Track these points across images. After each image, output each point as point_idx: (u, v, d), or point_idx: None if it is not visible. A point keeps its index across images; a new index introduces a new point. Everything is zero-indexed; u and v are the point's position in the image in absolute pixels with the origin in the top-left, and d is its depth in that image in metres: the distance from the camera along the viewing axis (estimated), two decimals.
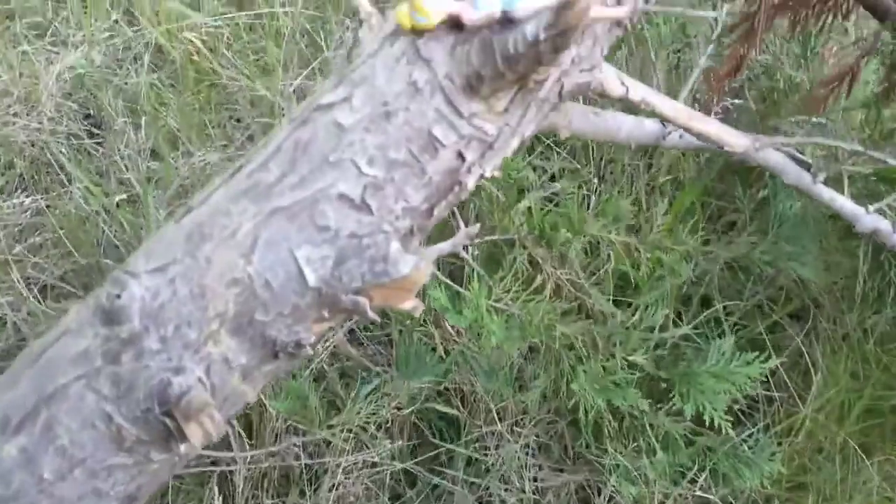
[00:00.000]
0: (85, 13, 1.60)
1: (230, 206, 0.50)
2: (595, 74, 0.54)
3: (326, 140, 0.49)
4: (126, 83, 1.48)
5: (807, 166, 0.65)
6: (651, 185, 1.12)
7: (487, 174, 0.54)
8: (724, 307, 1.15)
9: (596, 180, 1.06)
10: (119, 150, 1.42)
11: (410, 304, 0.51)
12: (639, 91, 0.56)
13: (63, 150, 1.43)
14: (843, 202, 0.70)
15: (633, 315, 1.03)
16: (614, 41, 0.53)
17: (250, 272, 0.49)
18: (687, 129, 0.59)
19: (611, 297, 1.07)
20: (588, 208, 1.10)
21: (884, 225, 0.73)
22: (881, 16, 0.51)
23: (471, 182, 0.53)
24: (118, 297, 0.49)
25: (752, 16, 0.56)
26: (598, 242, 0.97)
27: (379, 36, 0.49)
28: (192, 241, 0.50)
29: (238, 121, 1.46)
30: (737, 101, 0.81)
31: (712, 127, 0.60)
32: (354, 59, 0.50)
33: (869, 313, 1.10)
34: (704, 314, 1.11)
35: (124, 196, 1.27)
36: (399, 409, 1.11)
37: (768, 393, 1.15)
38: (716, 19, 0.65)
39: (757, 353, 0.85)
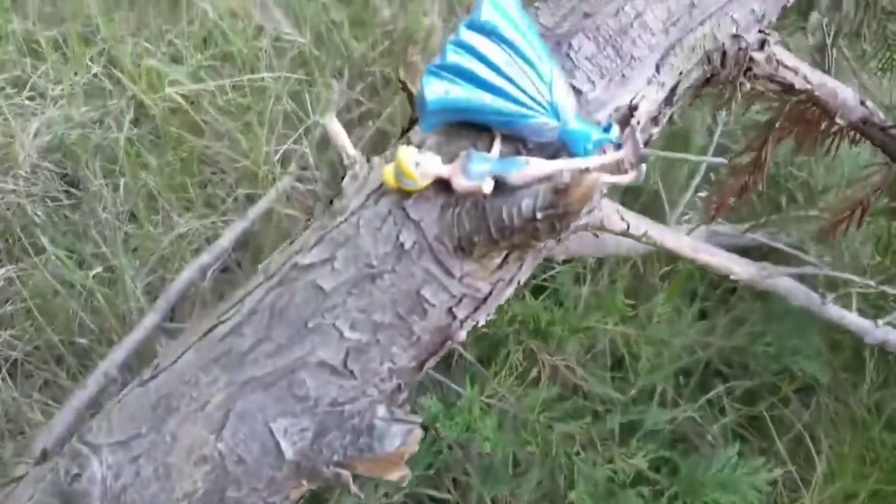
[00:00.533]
0: (65, 65, 1.55)
1: (200, 374, 0.45)
2: (595, 214, 0.50)
3: (305, 304, 0.44)
4: (106, 139, 1.43)
5: (815, 288, 0.62)
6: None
7: (482, 323, 0.50)
8: (726, 384, 1.11)
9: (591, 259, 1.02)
10: (97, 212, 1.37)
11: (397, 474, 0.47)
12: (640, 226, 0.52)
13: (39, 212, 1.38)
14: (852, 319, 0.67)
15: (632, 400, 0.99)
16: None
17: (221, 449, 0.44)
18: (692, 261, 0.56)
19: (608, 373, 1.04)
20: (583, 283, 1.06)
21: (893, 336, 0.70)
22: (892, 154, 0.48)
23: (463, 334, 0.49)
24: (78, 476, 0.44)
25: (759, 147, 0.52)
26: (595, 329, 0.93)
27: (364, 190, 0.45)
28: (158, 414, 0.45)
29: (222, 179, 1.42)
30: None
31: (718, 259, 0.56)
32: (336, 209, 0.46)
33: (875, 393, 1.06)
34: (705, 397, 1.07)
35: (100, 269, 1.22)
36: (387, 495, 1.06)
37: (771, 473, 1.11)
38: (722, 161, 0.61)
39: (763, 461, 0.81)
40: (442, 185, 0.43)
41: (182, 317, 1.23)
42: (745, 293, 1.15)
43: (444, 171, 0.41)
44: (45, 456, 0.55)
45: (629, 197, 0.88)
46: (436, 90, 0.40)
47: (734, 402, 1.13)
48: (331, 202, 0.47)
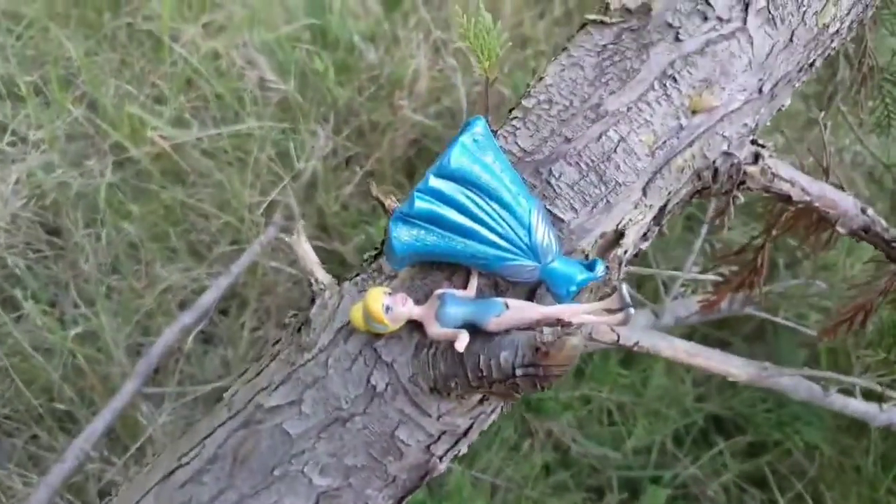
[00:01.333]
0: (46, 110, 1.52)
1: None
2: (582, 329, 0.47)
3: (271, 450, 0.41)
4: (87, 186, 1.40)
5: (817, 381, 0.59)
6: None
7: (463, 451, 0.46)
8: (728, 440, 1.08)
9: None
10: (78, 263, 1.33)
11: None
12: (631, 336, 0.49)
13: (20, 264, 1.34)
14: (857, 407, 0.64)
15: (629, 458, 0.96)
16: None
17: None
18: (689, 367, 0.52)
19: (605, 423, 1.01)
20: None
21: None
22: (893, 257, 0.45)
23: (443, 467, 0.45)
24: None
25: (756, 251, 0.49)
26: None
27: (332, 324, 0.42)
28: None
29: (205, 227, 1.38)
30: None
31: (715, 361, 0.53)
32: (304, 343, 0.43)
33: (881, 447, 1.03)
34: (708, 454, 1.04)
35: (80, 329, 1.18)
36: None
37: None
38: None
39: None
40: (416, 323, 0.40)
41: (166, 377, 1.20)
42: (741, 352, 1.13)
43: (415, 314, 0.38)
44: None
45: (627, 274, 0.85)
46: (404, 237, 0.37)
47: (735, 456, 1.10)
48: (299, 329, 0.44)
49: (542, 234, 0.36)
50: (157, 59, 1.53)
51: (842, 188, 0.47)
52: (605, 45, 0.41)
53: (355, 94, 1.34)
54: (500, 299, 0.38)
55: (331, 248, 1.31)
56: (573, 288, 0.37)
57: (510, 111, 0.43)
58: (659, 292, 0.70)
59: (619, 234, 0.40)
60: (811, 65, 0.44)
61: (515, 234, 0.36)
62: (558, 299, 0.38)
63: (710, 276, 0.53)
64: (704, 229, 0.69)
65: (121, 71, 1.54)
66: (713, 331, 1.08)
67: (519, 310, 0.37)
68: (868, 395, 0.68)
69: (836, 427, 0.92)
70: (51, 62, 1.55)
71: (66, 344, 1.16)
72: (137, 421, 1.10)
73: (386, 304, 0.38)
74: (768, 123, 0.45)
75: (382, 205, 0.48)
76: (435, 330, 0.38)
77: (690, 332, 0.94)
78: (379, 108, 1.34)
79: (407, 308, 0.38)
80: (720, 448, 1.06)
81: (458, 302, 0.38)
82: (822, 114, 0.51)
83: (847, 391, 0.65)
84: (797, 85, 0.45)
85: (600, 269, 0.37)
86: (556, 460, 0.98)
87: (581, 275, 0.37)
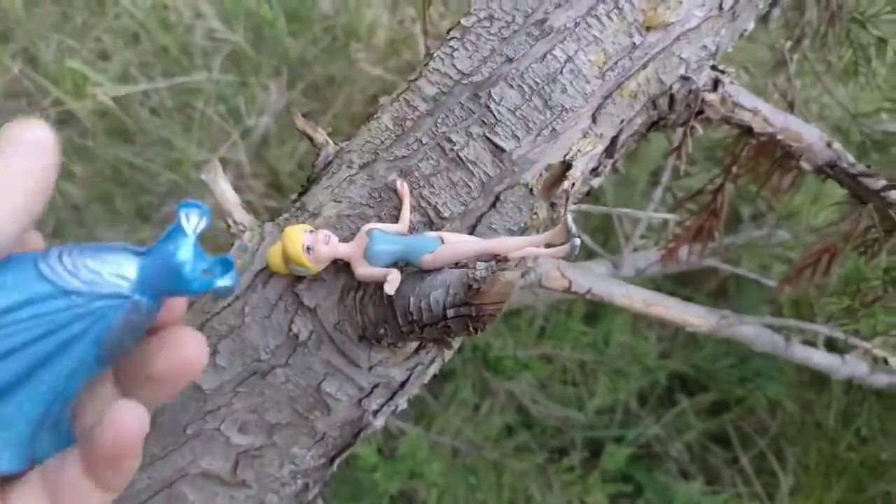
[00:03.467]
0: None
1: None
2: (530, 276, 0.44)
3: (182, 407, 0.37)
4: None
5: (778, 330, 0.57)
6: None
7: (402, 406, 0.43)
8: (691, 397, 1.07)
9: None
10: None
11: None
12: (584, 283, 0.46)
13: None
14: (819, 359, 0.62)
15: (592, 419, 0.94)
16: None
17: None
18: (645, 315, 0.49)
19: (568, 383, 0.98)
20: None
21: (860, 369, 0.65)
22: (862, 198, 0.42)
23: (380, 422, 0.42)
24: None
25: (714, 192, 0.46)
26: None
27: (251, 267, 0.38)
28: None
29: (153, 188, 1.32)
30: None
31: (673, 311, 0.50)
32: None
33: (843, 402, 1.02)
34: (669, 413, 1.02)
35: None
36: None
37: (735, 488, 1.07)
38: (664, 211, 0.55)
39: (724, 497, 0.76)
40: (343, 263, 0.36)
41: None
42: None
43: (340, 253, 0.34)
44: None
45: (583, 222, 0.82)
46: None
47: (699, 415, 1.09)
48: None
49: None
50: (100, 12, 1.44)
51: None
52: None
53: (309, 46, 1.28)
54: (434, 234, 0.34)
55: (283, 208, 1.26)
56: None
57: (448, 31, 0.38)
58: (619, 244, 0.67)
59: (567, 166, 0.36)
60: None
61: None
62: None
63: (669, 216, 0.50)
64: (666, 176, 0.66)
65: (62, 25, 1.46)
66: (678, 287, 1.06)
67: (455, 245, 0.33)
68: (831, 349, 0.66)
69: (798, 383, 0.90)
70: None
71: None
72: None
73: (306, 244, 0.34)
74: (730, 49, 0.42)
75: (310, 138, 0.44)
76: (363, 270, 0.34)
77: (654, 289, 0.92)
78: (334, 60, 1.28)
79: (330, 247, 0.34)
80: (683, 407, 1.05)
81: (389, 239, 0.34)
82: (787, 44, 0.48)
83: (810, 343, 0.63)
84: (760, 5, 0.41)
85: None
86: (518, 421, 0.96)
87: None
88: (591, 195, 0.43)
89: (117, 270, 0.27)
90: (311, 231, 0.34)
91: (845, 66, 0.80)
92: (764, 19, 0.89)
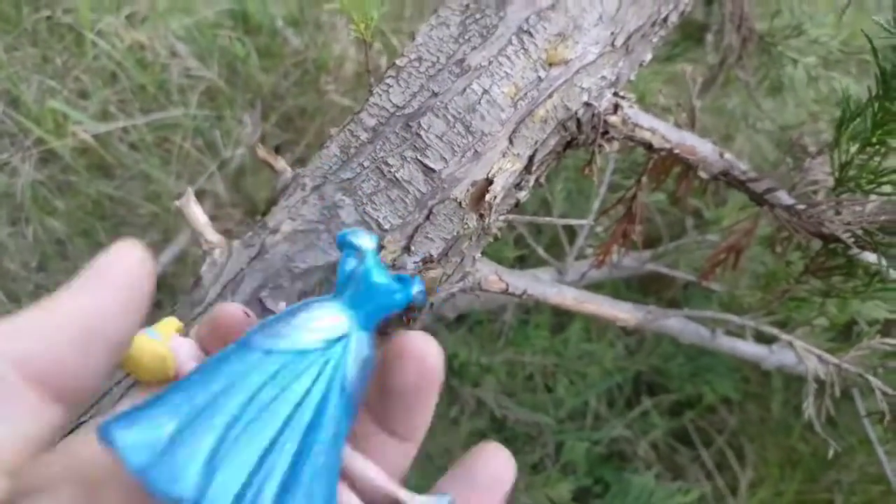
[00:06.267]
0: None
1: None
2: (467, 280, 0.50)
3: None
4: (11, 184, 1.37)
5: (704, 323, 0.63)
6: None
7: None
8: (652, 397, 1.12)
9: None
10: (4, 263, 1.31)
11: None
12: (520, 284, 0.52)
13: None
14: (745, 348, 0.68)
15: (561, 423, 0.99)
16: (487, 243, 0.49)
17: None
18: (578, 312, 0.55)
19: (536, 390, 1.04)
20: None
21: (789, 358, 0.72)
22: (756, 200, 0.49)
23: None
24: None
25: (630, 199, 0.52)
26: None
27: (220, 279, 0.43)
28: None
29: (134, 220, 1.37)
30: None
31: (604, 307, 0.56)
32: (195, 299, 0.44)
33: (794, 399, 1.09)
34: (632, 413, 1.08)
35: None
36: None
37: (699, 483, 1.13)
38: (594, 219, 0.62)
39: (678, 486, 0.82)
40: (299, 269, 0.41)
41: None
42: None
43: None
44: None
45: (535, 232, 0.88)
46: None
47: (663, 415, 1.15)
48: (194, 286, 0.45)
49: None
50: (79, 53, 1.50)
51: (705, 138, 0.50)
52: (467, 5, 0.43)
53: (281, 79, 1.34)
54: None
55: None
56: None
57: (385, 70, 0.45)
58: (564, 252, 0.73)
59: (489, 182, 0.42)
60: (665, 20, 0.47)
61: None
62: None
63: (584, 222, 0.56)
64: (603, 189, 0.72)
65: (42, 66, 1.51)
66: (639, 296, 1.12)
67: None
68: (761, 340, 0.72)
69: (744, 378, 0.97)
70: None
71: None
72: None
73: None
74: (632, 78, 0.48)
75: (272, 166, 0.50)
76: None
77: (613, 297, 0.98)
78: (306, 93, 1.35)
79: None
80: (646, 407, 1.10)
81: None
82: (690, 69, 0.54)
83: (739, 336, 0.70)
84: (654, 39, 0.48)
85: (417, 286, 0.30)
86: (490, 427, 1.01)
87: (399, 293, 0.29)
88: (544, 207, 0.49)
89: (327, 315, 0.26)
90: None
91: (771, 83, 0.87)
92: (699, 42, 0.96)
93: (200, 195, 1.25)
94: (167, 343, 0.29)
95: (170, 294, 1.23)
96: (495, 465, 0.29)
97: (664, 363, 0.92)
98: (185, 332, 0.31)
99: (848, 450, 1.04)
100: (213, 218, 1.28)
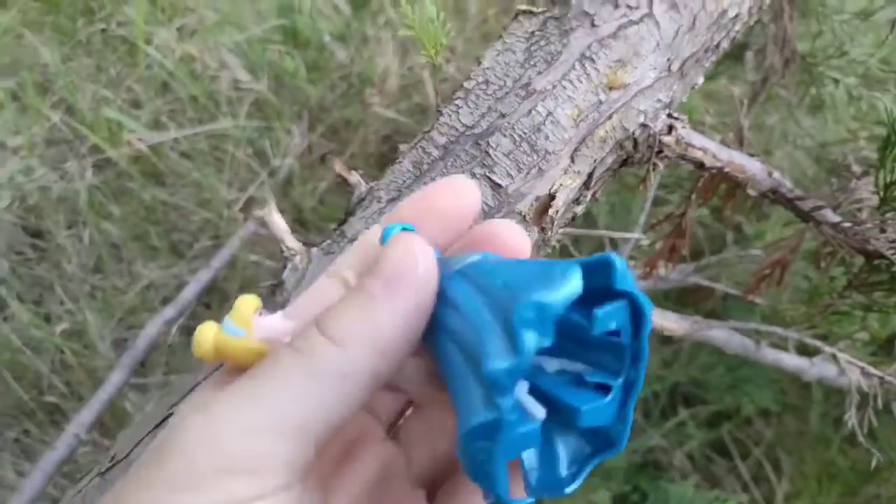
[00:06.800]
0: (23, 116, 1.55)
1: None
2: None
3: None
4: (68, 190, 1.44)
5: (749, 335, 0.65)
6: None
7: None
8: (689, 409, 1.14)
9: None
10: (62, 265, 1.37)
11: None
12: None
13: (4, 266, 1.38)
14: (788, 361, 0.70)
15: None
16: (545, 255, 0.51)
17: None
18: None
19: None
20: None
21: (829, 371, 0.73)
22: (802, 217, 0.51)
23: None
24: None
25: (680, 215, 0.55)
26: None
27: (302, 284, 0.47)
28: None
29: (186, 226, 1.42)
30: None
31: (654, 318, 0.59)
32: (278, 303, 0.48)
33: (833, 412, 1.09)
34: (669, 423, 1.10)
35: (66, 325, 1.22)
36: None
37: (736, 495, 1.14)
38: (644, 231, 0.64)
39: (716, 494, 0.83)
40: None
41: (153, 369, 1.24)
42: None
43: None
44: None
45: (574, 242, 0.91)
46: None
47: (700, 426, 1.16)
48: (273, 292, 0.49)
49: None
50: (132, 64, 1.57)
51: (755, 156, 0.53)
52: (532, 32, 0.46)
53: (327, 92, 1.39)
54: None
55: (308, 241, 1.36)
56: None
57: (453, 93, 0.48)
58: None
59: (551, 197, 0.45)
60: (717, 46, 0.49)
61: None
62: None
63: (637, 236, 0.59)
64: (647, 204, 0.75)
65: (97, 76, 1.58)
66: (678, 307, 1.14)
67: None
68: (802, 353, 0.74)
69: (783, 390, 0.98)
70: (26, 69, 1.58)
71: (53, 340, 1.20)
72: (126, 410, 1.15)
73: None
74: (683, 100, 0.51)
75: (346, 180, 0.54)
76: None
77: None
78: (351, 105, 1.39)
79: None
80: (682, 418, 1.12)
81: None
82: (734, 89, 0.57)
83: (783, 348, 0.71)
84: (706, 64, 0.51)
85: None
86: None
87: None
88: (588, 220, 0.52)
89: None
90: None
91: (812, 101, 0.89)
92: (738, 59, 0.99)
93: (250, 202, 1.30)
94: (253, 334, 0.27)
95: (221, 297, 1.28)
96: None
97: (702, 374, 0.93)
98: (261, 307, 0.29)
99: (889, 464, 1.04)
100: (262, 225, 1.32)
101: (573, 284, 0.23)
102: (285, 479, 0.23)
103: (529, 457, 0.26)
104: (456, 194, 0.29)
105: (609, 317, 0.24)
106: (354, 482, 0.28)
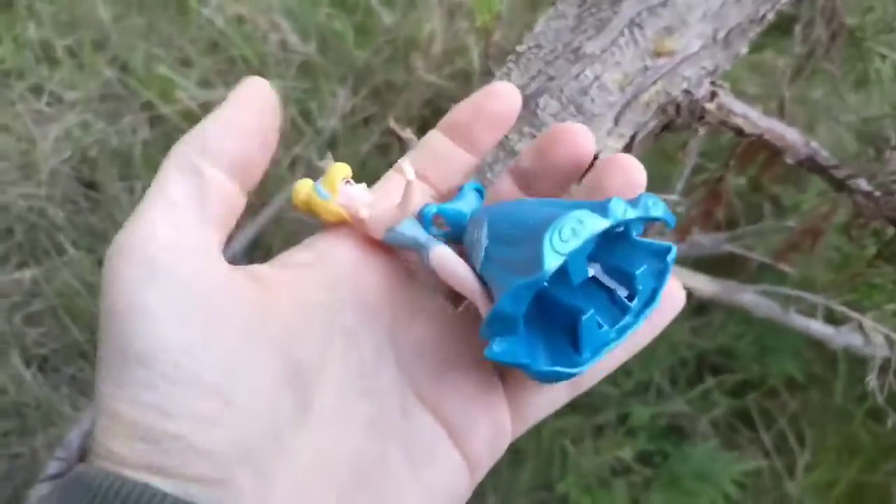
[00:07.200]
0: (80, 72, 1.61)
1: None
2: None
3: None
4: (121, 144, 1.50)
5: (778, 299, 0.67)
6: None
7: None
8: (716, 377, 1.17)
9: None
10: (115, 215, 1.44)
11: None
12: None
13: (60, 215, 1.45)
14: (816, 328, 0.72)
15: (627, 394, 1.05)
16: None
17: None
18: None
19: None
20: None
21: (855, 340, 0.75)
22: (836, 186, 0.53)
23: None
24: None
25: (716, 181, 0.57)
26: None
27: None
28: None
29: None
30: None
31: (683, 278, 0.62)
32: None
33: (857, 386, 1.11)
34: (695, 390, 1.13)
35: None
36: None
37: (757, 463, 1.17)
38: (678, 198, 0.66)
39: (736, 454, 0.86)
40: None
41: None
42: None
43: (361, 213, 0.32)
44: (82, 458, 0.62)
45: None
46: None
47: (726, 394, 1.19)
48: None
49: None
50: (183, 23, 1.61)
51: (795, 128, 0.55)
52: (584, 0, 0.49)
53: (373, 55, 1.42)
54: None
55: None
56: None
57: (505, 55, 0.51)
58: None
59: (595, 157, 0.48)
60: (762, 17, 0.51)
61: None
62: None
63: (679, 199, 0.61)
64: (687, 170, 0.77)
65: (149, 34, 1.63)
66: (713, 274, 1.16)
67: (455, 268, 0.30)
68: (831, 321, 0.76)
69: (809, 362, 1.00)
70: (83, 25, 1.63)
71: None
72: None
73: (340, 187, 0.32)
74: (727, 68, 0.53)
75: (399, 138, 0.57)
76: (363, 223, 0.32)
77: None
78: (395, 69, 1.42)
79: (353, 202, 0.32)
80: (708, 385, 1.15)
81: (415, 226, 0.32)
82: (779, 60, 0.58)
83: (811, 315, 0.73)
84: (751, 35, 0.52)
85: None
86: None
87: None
88: None
89: None
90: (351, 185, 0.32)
91: (857, 76, 0.89)
92: (787, 32, 0.99)
93: (296, 161, 1.34)
94: (337, 198, 0.32)
95: (265, 253, 1.33)
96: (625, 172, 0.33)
97: (732, 342, 0.96)
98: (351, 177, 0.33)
99: None
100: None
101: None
102: None
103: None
104: (501, 99, 0.35)
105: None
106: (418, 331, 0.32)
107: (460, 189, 0.34)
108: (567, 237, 0.25)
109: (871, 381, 0.55)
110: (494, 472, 1.05)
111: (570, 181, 0.34)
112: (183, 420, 0.24)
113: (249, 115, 0.30)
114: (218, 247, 0.29)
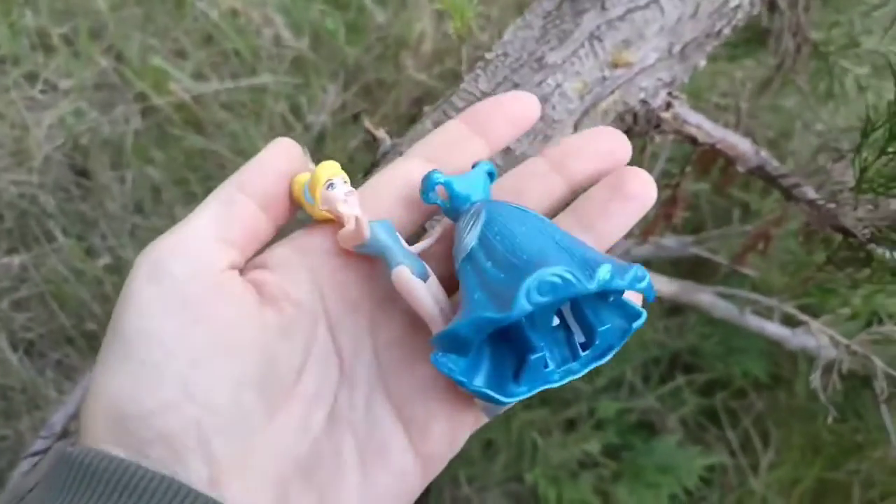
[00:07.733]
0: (75, 60, 1.63)
1: None
2: None
3: None
4: (114, 133, 1.52)
5: (734, 301, 0.71)
6: None
7: None
8: (686, 375, 1.20)
9: None
10: (105, 203, 1.46)
11: None
12: None
13: (51, 201, 1.47)
14: (772, 329, 0.75)
15: (599, 390, 1.08)
16: None
17: None
18: None
19: None
20: None
21: (810, 341, 0.78)
22: (785, 194, 0.56)
23: None
24: None
25: (674, 186, 0.60)
26: None
27: None
28: None
29: (223, 174, 1.50)
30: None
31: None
32: None
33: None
34: (664, 388, 1.16)
35: (108, 259, 1.31)
36: None
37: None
38: None
39: (700, 449, 0.90)
40: None
41: None
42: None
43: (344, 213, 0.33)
44: (65, 433, 0.65)
45: None
46: None
47: (695, 393, 1.22)
48: None
49: None
50: (178, 15, 1.63)
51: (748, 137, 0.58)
52: (549, 12, 0.52)
53: (364, 53, 1.44)
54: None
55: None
56: None
57: (476, 62, 0.54)
58: None
59: None
60: (718, 32, 0.54)
61: None
62: None
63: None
64: (654, 174, 0.80)
65: (145, 25, 1.65)
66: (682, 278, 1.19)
67: (414, 293, 0.31)
68: (790, 323, 0.79)
69: (776, 363, 1.03)
70: (80, 14, 1.65)
71: (95, 272, 1.29)
72: None
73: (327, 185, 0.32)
74: (685, 80, 0.56)
75: (374, 137, 0.60)
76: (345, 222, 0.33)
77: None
78: (385, 67, 1.44)
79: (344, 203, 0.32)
80: (678, 384, 1.18)
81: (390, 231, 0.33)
82: (739, 74, 0.61)
83: (766, 317, 0.77)
84: (708, 48, 0.55)
85: None
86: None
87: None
88: None
89: None
90: (344, 182, 0.33)
91: (826, 89, 0.93)
92: (763, 44, 1.02)
93: None
94: (319, 204, 0.33)
95: None
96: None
97: (700, 342, 0.99)
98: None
99: (873, 441, 1.09)
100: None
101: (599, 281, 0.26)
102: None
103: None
104: (523, 102, 0.38)
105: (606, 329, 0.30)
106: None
107: (473, 166, 0.35)
108: (545, 291, 0.25)
109: (815, 380, 0.58)
110: (468, 462, 1.08)
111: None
112: (145, 402, 0.27)
113: (280, 160, 0.34)
114: (229, 261, 0.31)
